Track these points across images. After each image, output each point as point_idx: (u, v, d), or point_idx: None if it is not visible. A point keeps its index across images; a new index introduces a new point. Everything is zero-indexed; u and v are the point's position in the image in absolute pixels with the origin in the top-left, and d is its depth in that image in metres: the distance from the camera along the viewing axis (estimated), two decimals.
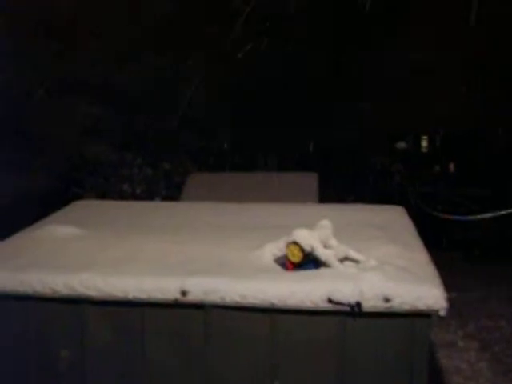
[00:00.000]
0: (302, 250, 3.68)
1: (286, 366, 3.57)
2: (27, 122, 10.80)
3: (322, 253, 3.69)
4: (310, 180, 8.16)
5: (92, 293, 3.70)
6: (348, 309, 3.40)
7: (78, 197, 6.73)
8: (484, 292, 9.29)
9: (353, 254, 3.81)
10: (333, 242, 3.84)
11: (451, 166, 14.15)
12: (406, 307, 3.37)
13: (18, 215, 6.73)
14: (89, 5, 10.31)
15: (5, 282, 3.81)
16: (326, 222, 3.91)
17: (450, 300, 8.46)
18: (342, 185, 10.29)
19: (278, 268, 3.78)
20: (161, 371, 3.73)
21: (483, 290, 9.43)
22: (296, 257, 3.70)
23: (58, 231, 4.70)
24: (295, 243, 3.69)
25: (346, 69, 10.77)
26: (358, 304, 3.37)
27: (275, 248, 3.92)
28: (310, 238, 3.71)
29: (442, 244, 11.04)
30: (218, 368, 3.65)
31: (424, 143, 14.62)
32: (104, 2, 10.42)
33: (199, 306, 3.61)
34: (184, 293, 3.59)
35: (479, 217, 5.34)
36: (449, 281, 9.02)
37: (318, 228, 3.87)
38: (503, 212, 4.60)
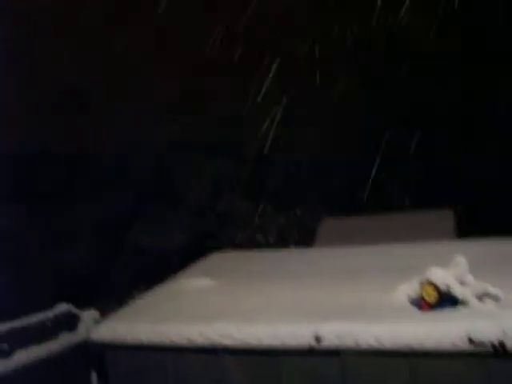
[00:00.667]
0: (437, 289, 3.55)
1: None
2: (167, 177, 11.34)
3: (458, 291, 3.53)
4: (446, 218, 7.88)
5: (227, 341, 3.74)
6: (491, 349, 3.20)
7: (214, 248, 6.88)
8: None
9: (492, 290, 3.61)
10: (469, 278, 3.66)
11: None
12: None
13: (161, 267, 6.99)
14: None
15: (145, 334, 3.94)
16: (461, 259, 3.75)
17: None
18: (487, 219, 9.84)
19: (413, 309, 3.65)
20: None
21: None
22: (431, 297, 3.56)
23: (194, 283, 4.83)
24: (430, 283, 3.57)
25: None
26: (502, 344, 3.17)
27: (409, 289, 3.80)
28: (445, 277, 3.57)
29: None
30: None
31: None
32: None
33: (334, 352, 3.54)
34: (318, 339, 3.54)
35: None
36: None
37: (453, 265, 3.72)
38: None
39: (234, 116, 10.89)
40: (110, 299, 7.68)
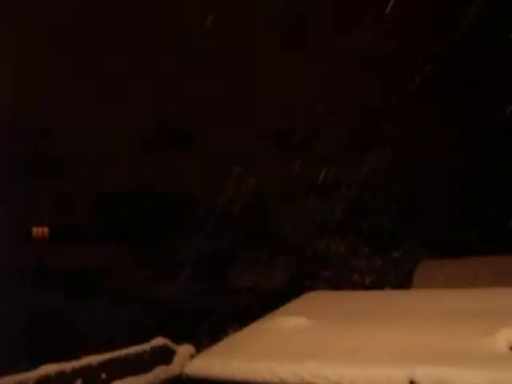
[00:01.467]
0: None
1: None
2: (267, 216, 11.47)
3: None
4: None
5: (320, 382, 3.70)
6: None
7: (311, 288, 6.88)
8: None
9: None
10: None
11: None
12: None
13: (257, 306, 7.04)
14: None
15: (238, 371, 3.97)
16: None
17: None
18: None
19: None
20: None
21: None
22: None
23: (288, 322, 4.82)
24: None
25: None
26: None
27: (510, 334, 3.64)
28: None
29: None
30: None
31: None
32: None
33: None
34: (413, 383, 3.45)
35: None
36: None
37: None
38: None
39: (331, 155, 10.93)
40: (206, 336, 7.78)
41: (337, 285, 9.77)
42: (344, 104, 11.07)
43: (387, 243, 10.55)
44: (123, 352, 4.36)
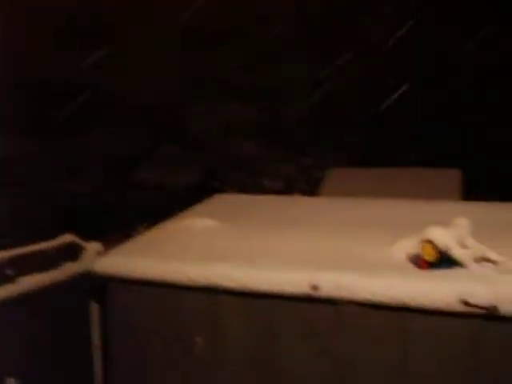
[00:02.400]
0: (436, 248, 3.58)
1: (416, 366, 3.50)
2: (181, 117, 11.33)
3: (457, 252, 3.57)
4: (453, 177, 7.89)
5: (228, 283, 3.81)
6: (483, 312, 3.26)
7: (221, 190, 6.95)
8: None
9: (491, 254, 3.65)
10: (469, 241, 3.69)
11: None
12: None
13: (167, 205, 7.05)
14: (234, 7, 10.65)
15: (147, 270, 4.01)
16: (462, 220, 3.78)
17: None
18: (490, 183, 9.84)
19: (411, 266, 3.70)
20: (290, 361, 3.77)
21: None
22: (430, 256, 3.60)
23: (198, 223, 4.88)
24: (429, 241, 3.60)
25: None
26: (494, 307, 3.23)
27: (409, 245, 3.84)
28: (445, 237, 3.60)
29: None
30: (347, 363, 3.64)
31: None
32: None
33: (330, 302, 3.61)
34: (315, 287, 3.61)
35: None
36: None
37: (454, 226, 3.75)
38: None
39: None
40: (115, 233, 7.78)
41: (246, 188, 9.90)
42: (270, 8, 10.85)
43: (299, 149, 10.70)
44: (30, 248, 4.31)
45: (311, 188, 9.67)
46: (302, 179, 10.49)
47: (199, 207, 5.74)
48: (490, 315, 3.26)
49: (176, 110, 11.40)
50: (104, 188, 10.81)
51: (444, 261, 3.60)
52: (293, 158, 10.72)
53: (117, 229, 8.68)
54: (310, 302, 3.65)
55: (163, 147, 11.16)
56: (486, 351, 3.34)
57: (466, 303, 3.28)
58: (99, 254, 4.57)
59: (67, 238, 4.61)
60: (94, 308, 4.51)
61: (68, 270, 4.43)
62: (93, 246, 4.69)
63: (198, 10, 10.76)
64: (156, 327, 4.07)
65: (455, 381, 3.43)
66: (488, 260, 3.64)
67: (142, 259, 4.10)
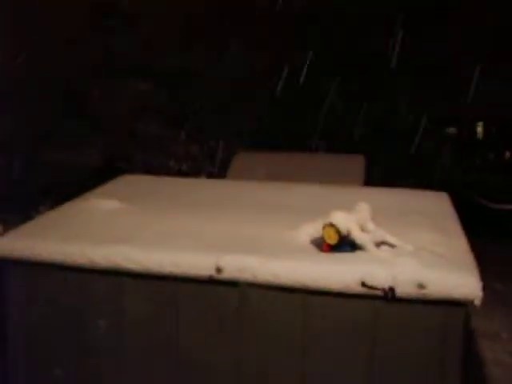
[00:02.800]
0: (338, 232, 3.66)
1: (317, 348, 3.58)
2: (80, 96, 11.01)
3: (358, 236, 3.67)
4: (357, 162, 8.09)
5: (130, 265, 3.75)
6: (381, 293, 3.38)
7: (124, 171, 6.82)
8: None
9: (390, 238, 3.78)
10: (370, 225, 3.80)
11: (506, 154, 13.78)
12: (441, 295, 3.32)
13: (71, 186, 6.88)
14: None
15: (48, 252, 3.89)
16: (364, 205, 3.89)
17: (495, 290, 8.37)
18: (390, 168, 10.18)
19: (314, 249, 3.77)
20: (193, 346, 3.78)
21: None
22: (332, 239, 3.68)
23: (101, 204, 4.78)
24: (332, 225, 3.68)
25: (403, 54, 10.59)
26: (391, 289, 3.34)
27: (312, 229, 3.92)
28: (347, 221, 3.69)
29: (491, 234, 10.81)
30: (250, 345, 3.68)
31: (479, 129, 14.26)
32: None
33: (233, 284, 3.63)
34: (219, 270, 3.62)
35: None
36: (495, 271, 8.96)
37: (356, 211, 3.85)
38: None
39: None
40: (16, 213, 7.52)
41: (153, 169, 9.79)
42: None
43: (206, 131, 10.67)
44: None
45: (218, 171, 9.69)
46: (208, 161, 10.48)
47: (104, 188, 5.62)
48: (388, 296, 3.37)
49: (77, 89, 11.08)
50: (5, 169, 10.42)
51: (345, 244, 3.69)
52: (200, 140, 10.68)
53: (18, 210, 8.39)
54: (214, 284, 3.66)
55: (68, 128, 10.84)
56: (384, 330, 3.46)
57: (365, 285, 3.38)
58: None
59: None
60: None
61: None
62: None
63: None
64: (57, 310, 3.96)
65: (355, 359, 3.54)
66: (387, 244, 3.76)
67: (42, 240, 3.98)
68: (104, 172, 7.10)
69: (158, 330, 3.84)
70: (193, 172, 10.26)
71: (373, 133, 10.70)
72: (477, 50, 10.35)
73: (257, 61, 10.66)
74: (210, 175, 10.03)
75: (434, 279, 3.33)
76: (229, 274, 3.61)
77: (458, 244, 3.90)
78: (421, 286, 3.32)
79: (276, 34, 10.63)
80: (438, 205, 5.01)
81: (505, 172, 11.66)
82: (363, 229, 3.77)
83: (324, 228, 3.72)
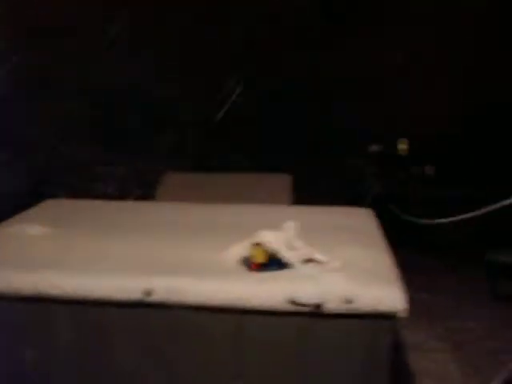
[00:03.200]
0: (266, 251, 3.71)
1: (250, 367, 3.61)
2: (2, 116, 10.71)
3: (285, 254, 3.73)
4: (284, 182, 8.18)
5: (57, 292, 3.68)
6: (309, 310, 3.43)
7: (50, 196, 6.68)
8: (455, 294, 9.38)
9: (317, 255, 3.85)
10: (297, 243, 3.87)
11: (429, 169, 14.21)
12: (368, 309, 3.40)
13: None
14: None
15: None
16: (290, 224, 3.95)
17: (420, 301, 8.57)
18: (316, 187, 10.33)
19: (243, 269, 3.80)
20: (126, 370, 3.73)
21: (454, 291, 9.52)
22: (260, 258, 3.72)
23: (25, 230, 4.68)
24: (259, 244, 3.73)
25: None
26: (319, 305, 3.41)
27: (241, 249, 3.95)
28: (274, 240, 3.75)
29: (416, 247, 11.13)
30: (183, 368, 3.67)
31: (402, 146, 14.66)
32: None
33: (164, 306, 3.62)
34: (148, 293, 3.60)
35: (451, 219, 5.37)
36: (420, 283, 9.20)
37: (283, 229, 3.91)
38: (473, 214, 4.66)
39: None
40: None
41: (78, 193, 9.61)
42: None
43: (133, 152, 10.56)
44: None
45: (146, 192, 9.61)
46: (136, 183, 10.37)
47: (29, 213, 5.51)
48: (316, 313, 3.43)
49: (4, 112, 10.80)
50: None
51: (273, 263, 3.74)
52: (126, 162, 10.55)
53: None
54: (144, 307, 3.64)
55: None
56: (314, 346, 3.52)
57: (294, 302, 3.43)
58: None
59: None
60: None
61: None
62: None
63: None
64: None
65: (288, 377, 3.58)
66: (314, 260, 3.83)
67: None
68: (31, 197, 6.92)
69: (89, 356, 3.77)
70: (120, 194, 10.12)
71: (299, 153, 10.84)
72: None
73: (188, 82, 10.67)
74: (138, 198, 9.93)
75: (360, 294, 3.42)
76: (159, 296, 3.59)
77: (383, 258, 4.02)
78: (348, 301, 3.40)
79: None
80: (362, 221, 5.15)
81: (426, 186, 12.02)
82: (291, 247, 3.83)
83: (252, 248, 3.76)
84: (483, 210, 4.35)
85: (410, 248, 10.76)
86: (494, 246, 9.82)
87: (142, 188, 10.21)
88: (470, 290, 9.58)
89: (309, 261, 3.81)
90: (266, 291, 3.49)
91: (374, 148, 11.40)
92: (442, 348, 7.34)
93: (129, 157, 10.59)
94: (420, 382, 6.46)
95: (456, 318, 8.30)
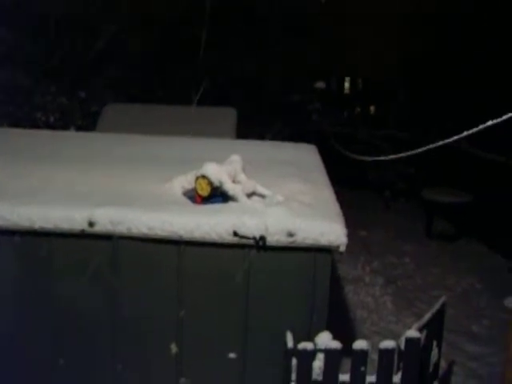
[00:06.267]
0: (210, 183, 3.72)
1: (192, 296, 3.66)
2: None
3: (229, 187, 3.74)
4: (229, 115, 8.12)
5: (1, 222, 3.64)
6: (253, 242, 3.49)
7: None
8: (391, 230, 9.68)
9: (260, 189, 3.89)
10: (242, 177, 3.89)
11: (371, 109, 14.40)
12: (309, 242, 3.49)
13: None
14: None
15: None
16: (235, 157, 3.96)
17: (359, 237, 8.80)
18: (261, 122, 10.33)
19: (187, 201, 3.81)
20: (68, 300, 3.74)
21: (391, 228, 9.82)
22: (204, 190, 3.74)
23: None
24: (204, 177, 3.73)
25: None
26: (262, 238, 3.46)
27: (185, 181, 3.95)
28: (218, 172, 3.75)
29: (356, 184, 11.35)
30: (126, 298, 3.70)
31: (346, 85, 14.77)
32: None
33: (107, 237, 3.62)
34: (91, 223, 3.58)
35: (391, 157, 5.47)
36: (359, 219, 9.44)
37: (228, 163, 3.92)
38: (410, 153, 4.76)
39: None
40: None
41: (19, 122, 9.34)
42: None
43: (74, 82, 10.29)
44: None
45: (87, 123, 9.43)
46: (77, 113, 10.13)
47: None
48: (259, 245, 3.49)
49: None
50: None
51: (218, 196, 3.77)
52: (67, 91, 10.27)
53: None
54: (87, 238, 3.63)
55: None
56: (256, 278, 3.59)
57: (237, 234, 3.48)
58: None
59: None
60: None
61: None
62: None
63: None
64: None
65: (228, 305, 3.66)
66: (258, 194, 3.87)
67: None
68: None
69: (32, 286, 3.75)
70: (61, 125, 9.88)
71: (247, 88, 10.79)
72: None
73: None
74: (80, 128, 9.72)
75: (302, 227, 3.48)
76: (102, 227, 3.58)
77: (324, 194, 4.09)
78: (290, 235, 3.47)
79: None
80: (306, 156, 5.20)
81: (368, 126, 12.21)
82: (235, 180, 3.85)
83: (196, 180, 3.77)
84: (419, 150, 4.44)
85: (350, 185, 11.01)
86: (428, 185, 10.13)
87: (84, 118, 10.02)
88: (406, 228, 9.92)
89: (252, 194, 3.85)
90: (210, 223, 3.51)
91: (320, 85, 11.44)
92: (378, 282, 7.62)
93: (71, 86, 10.33)
94: (355, 314, 6.71)
95: (391, 255, 8.61)
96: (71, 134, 7.53)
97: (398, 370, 3.47)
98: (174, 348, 3.72)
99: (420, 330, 3.58)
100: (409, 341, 3.43)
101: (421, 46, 10.87)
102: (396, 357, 3.45)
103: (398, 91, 12.57)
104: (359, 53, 11.32)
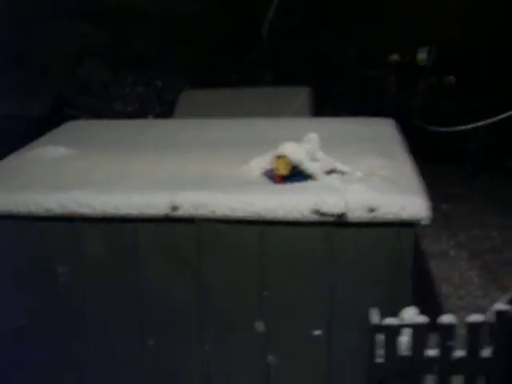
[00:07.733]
0: (289, 163, 3.73)
1: (275, 275, 3.70)
2: (21, 44, 10.63)
3: (308, 166, 3.74)
4: (303, 94, 8.11)
5: (85, 210, 3.76)
6: (334, 219, 3.48)
7: (72, 117, 6.69)
8: (475, 203, 9.41)
9: (339, 166, 3.87)
10: (320, 154, 3.88)
11: (449, 79, 13.97)
12: (390, 217, 3.45)
13: (15, 137, 6.72)
14: None
15: (1, 203, 3.87)
16: (313, 136, 3.95)
17: (441, 211, 8.61)
18: (337, 99, 10.24)
19: (267, 181, 3.84)
20: (155, 284, 3.85)
21: (475, 201, 9.54)
22: (284, 170, 3.75)
23: (50, 152, 4.72)
24: (283, 156, 3.74)
25: None
26: (343, 214, 3.45)
27: (263, 162, 3.97)
28: (297, 152, 3.76)
29: (437, 157, 11.08)
30: (210, 279, 3.77)
31: (422, 56, 14.38)
32: None
33: (190, 220, 3.69)
34: (174, 208, 3.66)
35: (469, 127, 5.30)
36: (441, 193, 9.21)
37: (306, 141, 3.91)
38: (490, 121, 4.59)
39: None
40: None
41: (100, 113, 9.61)
42: None
43: (151, 71, 10.48)
44: None
45: (165, 110, 9.59)
46: (155, 102, 10.33)
47: (52, 135, 5.55)
48: (340, 222, 3.48)
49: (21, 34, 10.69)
50: None
51: (297, 175, 3.77)
52: (144, 81, 10.48)
53: None
54: (171, 222, 3.71)
55: (12, 75, 10.48)
56: (339, 254, 3.59)
57: (318, 212, 3.48)
58: None
59: None
60: None
61: None
62: None
63: None
64: (14, 260, 3.95)
65: (313, 283, 3.67)
66: (337, 171, 3.85)
67: None
68: (54, 119, 6.92)
69: (118, 271, 3.88)
70: (140, 113, 10.10)
71: (320, 67, 10.71)
72: None
73: None
74: (158, 115, 9.91)
75: (382, 202, 3.45)
76: (184, 211, 3.65)
77: (405, 168, 4.03)
78: (371, 210, 3.44)
79: None
80: (385, 131, 5.12)
81: (448, 96, 11.87)
82: (313, 158, 3.84)
83: (275, 160, 3.78)
84: (497, 118, 4.29)
85: (431, 159, 10.75)
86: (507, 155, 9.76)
87: (162, 106, 10.19)
88: (491, 200, 9.62)
89: (331, 172, 3.83)
90: (291, 202, 3.53)
91: (394, 58, 11.22)
92: (463, 256, 7.46)
93: (148, 75, 10.52)
94: (440, 288, 6.61)
95: (477, 228, 8.38)
96: (149, 122, 7.68)
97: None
98: (260, 326, 3.77)
99: (509, 303, 3.50)
100: (500, 314, 3.36)
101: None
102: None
103: (483, 58, 12.11)
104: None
